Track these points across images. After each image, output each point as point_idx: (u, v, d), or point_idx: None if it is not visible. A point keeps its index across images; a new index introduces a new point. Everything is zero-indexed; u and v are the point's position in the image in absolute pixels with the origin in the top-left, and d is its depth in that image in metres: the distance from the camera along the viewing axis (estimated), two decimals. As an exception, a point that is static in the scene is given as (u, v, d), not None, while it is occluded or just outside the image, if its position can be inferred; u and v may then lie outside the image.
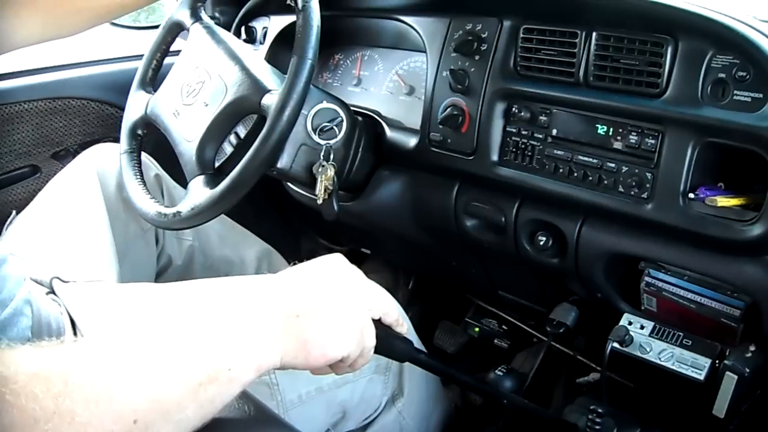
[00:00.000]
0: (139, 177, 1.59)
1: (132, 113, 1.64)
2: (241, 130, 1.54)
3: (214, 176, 1.44)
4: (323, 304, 0.92)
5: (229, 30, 1.98)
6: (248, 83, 1.46)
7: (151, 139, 1.68)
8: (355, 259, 2.27)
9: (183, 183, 1.51)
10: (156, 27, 1.81)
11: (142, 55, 1.77)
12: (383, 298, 1.05)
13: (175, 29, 1.71)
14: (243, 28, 2.12)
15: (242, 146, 1.47)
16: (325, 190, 1.53)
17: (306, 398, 1.37)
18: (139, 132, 1.64)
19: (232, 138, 1.54)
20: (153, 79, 1.71)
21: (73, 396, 0.66)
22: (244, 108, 1.46)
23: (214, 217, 1.40)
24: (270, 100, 1.38)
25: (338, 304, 0.93)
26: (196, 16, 1.66)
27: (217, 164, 1.48)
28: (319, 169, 1.52)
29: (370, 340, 0.99)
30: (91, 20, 1.50)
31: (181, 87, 1.57)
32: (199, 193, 1.41)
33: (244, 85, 1.46)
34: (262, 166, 1.35)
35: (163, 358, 0.76)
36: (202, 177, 1.44)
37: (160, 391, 0.73)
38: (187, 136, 1.49)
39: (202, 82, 1.52)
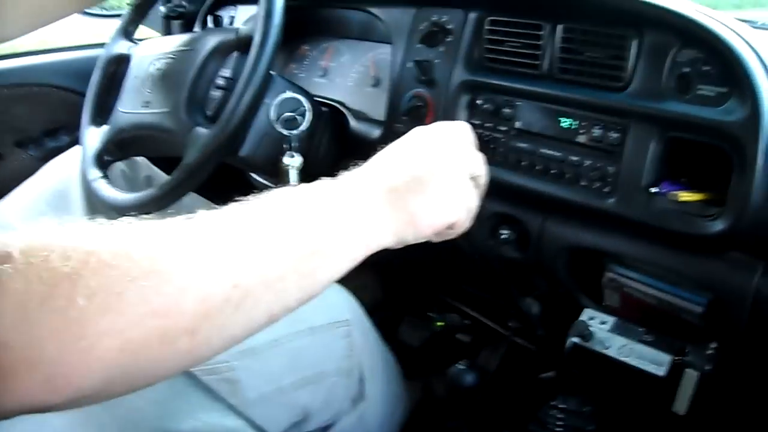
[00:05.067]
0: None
1: (92, 144, 1.66)
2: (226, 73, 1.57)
3: (210, 123, 1.47)
4: (425, 173, 0.89)
5: (194, 19, 1.98)
6: (217, 33, 1.56)
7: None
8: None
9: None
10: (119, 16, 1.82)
11: (104, 44, 1.78)
12: (480, 163, 1.01)
13: (115, 63, 1.75)
14: (209, 17, 2.11)
15: (232, 85, 1.49)
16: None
17: (267, 397, 1.36)
18: (106, 158, 1.65)
19: (220, 81, 1.54)
20: (103, 112, 1.73)
21: (171, 257, 0.66)
22: (224, 50, 1.52)
23: (220, 156, 1.41)
24: (246, 27, 1.47)
25: (440, 172, 0.90)
26: (133, 41, 1.75)
27: (209, 113, 1.51)
28: (291, 159, 1.52)
29: (474, 201, 0.97)
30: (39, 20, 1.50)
31: (141, 84, 1.59)
32: (202, 138, 1.42)
33: (214, 37, 1.53)
34: (257, 89, 1.40)
35: (263, 228, 0.75)
36: (198, 128, 1.45)
37: (260, 258, 0.72)
38: (166, 108, 1.52)
39: (166, 63, 1.56)
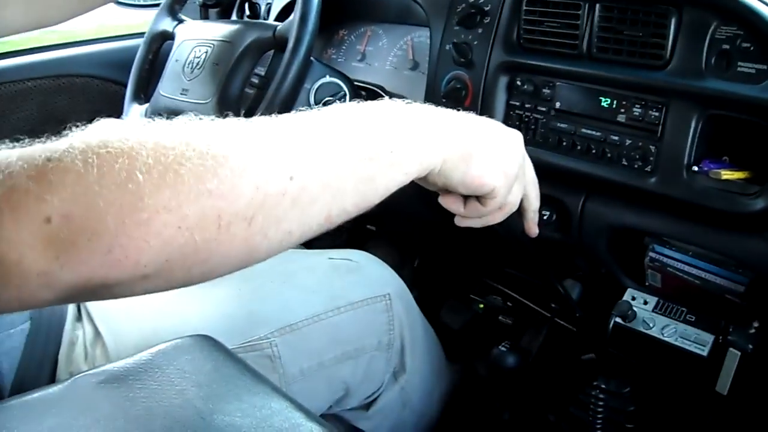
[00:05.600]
0: None
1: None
2: (261, 71, 1.61)
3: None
4: (491, 136, 0.93)
5: (232, 7, 1.99)
6: (256, 28, 1.56)
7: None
8: (361, 236, 2.27)
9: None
10: (158, 5, 1.85)
11: (143, 33, 1.81)
12: (536, 192, 1.08)
13: (160, 39, 1.81)
14: (246, 5, 2.12)
15: (265, 84, 1.53)
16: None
17: (308, 372, 1.37)
18: None
19: (255, 79, 1.58)
20: (145, 89, 1.77)
21: (228, 143, 0.68)
22: (260, 48, 1.55)
23: None
24: (283, 27, 1.49)
25: (503, 146, 0.94)
26: (177, 20, 1.76)
27: (242, 111, 1.55)
28: None
29: (516, 196, 1.01)
30: (73, 8, 1.52)
31: (181, 70, 1.62)
32: None
33: (252, 31, 1.55)
34: (293, 83, 1.44)
35: (322, 128, 0.77)
36: None
37: (318, 156, 0.74)
38: (202, 100, 1.53)
39: (206, 52, 1.58)
